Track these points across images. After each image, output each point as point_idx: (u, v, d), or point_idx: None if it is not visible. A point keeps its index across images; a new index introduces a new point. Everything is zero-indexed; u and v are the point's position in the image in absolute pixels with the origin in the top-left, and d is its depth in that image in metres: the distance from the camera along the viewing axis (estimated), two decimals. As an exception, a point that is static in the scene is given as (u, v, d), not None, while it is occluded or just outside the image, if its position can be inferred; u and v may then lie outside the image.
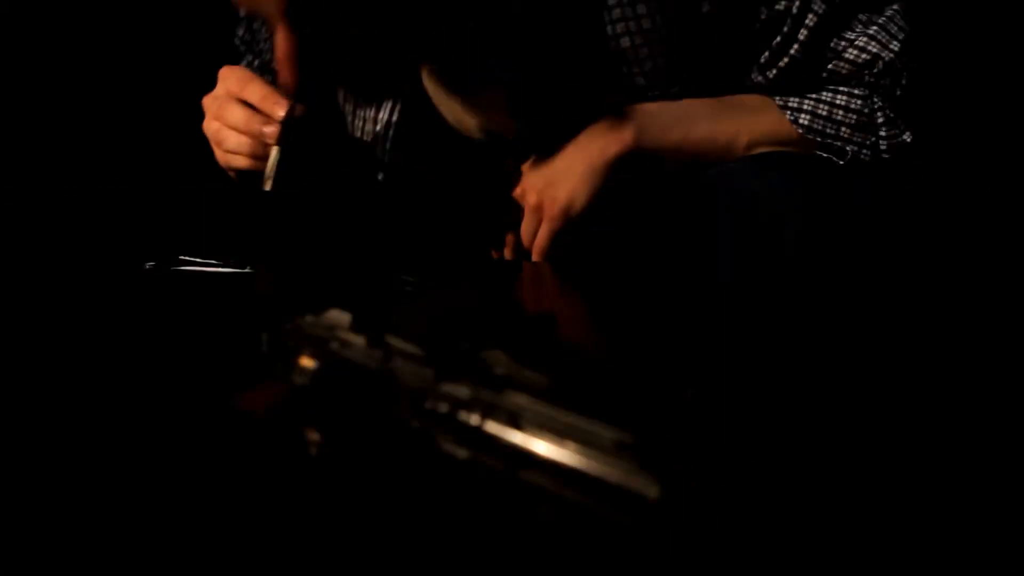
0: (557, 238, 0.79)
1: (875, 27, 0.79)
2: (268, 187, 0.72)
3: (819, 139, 0.81)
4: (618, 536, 0.31)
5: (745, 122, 0.81)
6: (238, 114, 0.75)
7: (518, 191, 0.81)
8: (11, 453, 0.42)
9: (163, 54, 1.19)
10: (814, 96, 0.81)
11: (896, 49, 0.79)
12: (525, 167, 0.82)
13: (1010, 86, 1.05)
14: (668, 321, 0.62)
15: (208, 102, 0.79)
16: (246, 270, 0.70)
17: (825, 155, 0.82)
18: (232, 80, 0.76)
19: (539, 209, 0.78)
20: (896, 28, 0.79)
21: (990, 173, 1.02)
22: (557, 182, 0.78)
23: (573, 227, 0.78)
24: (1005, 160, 1.04)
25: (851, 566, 0.35)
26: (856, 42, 0.79)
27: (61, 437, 0.44)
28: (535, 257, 0.81)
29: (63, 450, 0.42)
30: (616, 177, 0.77)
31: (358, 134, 0.89)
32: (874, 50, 0.79)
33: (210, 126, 0.79)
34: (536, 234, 0.80)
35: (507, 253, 0.85)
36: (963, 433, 0.45)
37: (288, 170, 0.73)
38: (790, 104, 0.81)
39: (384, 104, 0.86)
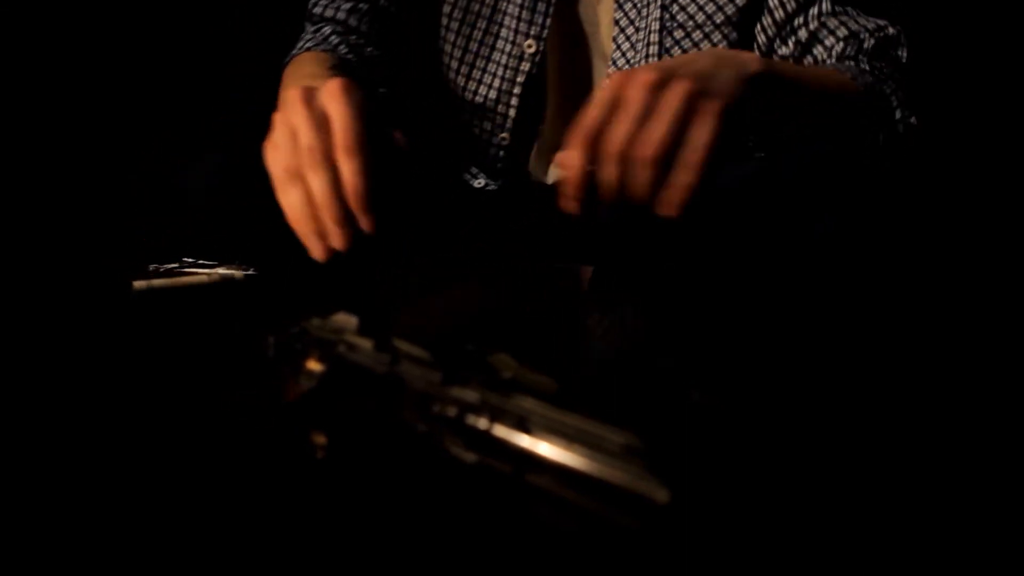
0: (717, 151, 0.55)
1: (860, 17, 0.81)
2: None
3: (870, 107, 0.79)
4: (627, 539, 0.31)
5: (828, 72, 0.80)
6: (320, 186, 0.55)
7: (648, 77, 0.55)
8: (13, 453, 0.42)
9: (170, 54, 1.19)
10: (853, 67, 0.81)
11: (892, 27, 0.81)
12: (641, 67, 0.60)
13: (1007, 83, 1.06)
14: (676, 324, 0.62)
15: (281, 125, 0.57)
16: (250, 272, 0.69)
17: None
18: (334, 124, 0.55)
19: (696, 98, 0.55)
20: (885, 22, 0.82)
21: (990, 170, 1.03)
22: (714, 76, 0.57)
23: (731, 138, 0.56)
24: (1005, 157, 1.04)
25: (855, 567, 0.35)
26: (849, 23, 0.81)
27: (65, 438, 0.44)
28: (689, 174, 0.54)
29: (66, 451, 0.42)
30: (750, 106, 0.60)
31: (473, 94, 0.88)
32: (869, 25, 0.80)
33: (277, 163, 0.57)
34: (677, 136, 0.54)
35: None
36: (965, 435, 0.45)
37: None
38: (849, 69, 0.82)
39: (508, 63, 0.85)
